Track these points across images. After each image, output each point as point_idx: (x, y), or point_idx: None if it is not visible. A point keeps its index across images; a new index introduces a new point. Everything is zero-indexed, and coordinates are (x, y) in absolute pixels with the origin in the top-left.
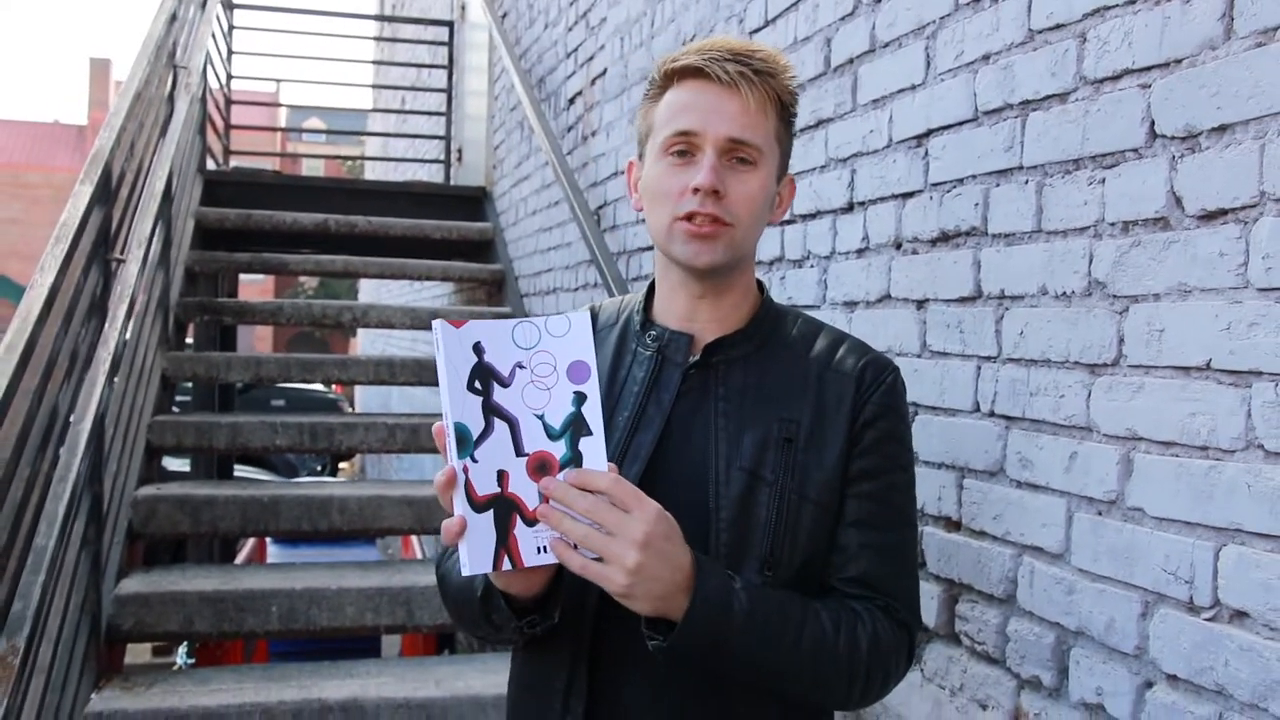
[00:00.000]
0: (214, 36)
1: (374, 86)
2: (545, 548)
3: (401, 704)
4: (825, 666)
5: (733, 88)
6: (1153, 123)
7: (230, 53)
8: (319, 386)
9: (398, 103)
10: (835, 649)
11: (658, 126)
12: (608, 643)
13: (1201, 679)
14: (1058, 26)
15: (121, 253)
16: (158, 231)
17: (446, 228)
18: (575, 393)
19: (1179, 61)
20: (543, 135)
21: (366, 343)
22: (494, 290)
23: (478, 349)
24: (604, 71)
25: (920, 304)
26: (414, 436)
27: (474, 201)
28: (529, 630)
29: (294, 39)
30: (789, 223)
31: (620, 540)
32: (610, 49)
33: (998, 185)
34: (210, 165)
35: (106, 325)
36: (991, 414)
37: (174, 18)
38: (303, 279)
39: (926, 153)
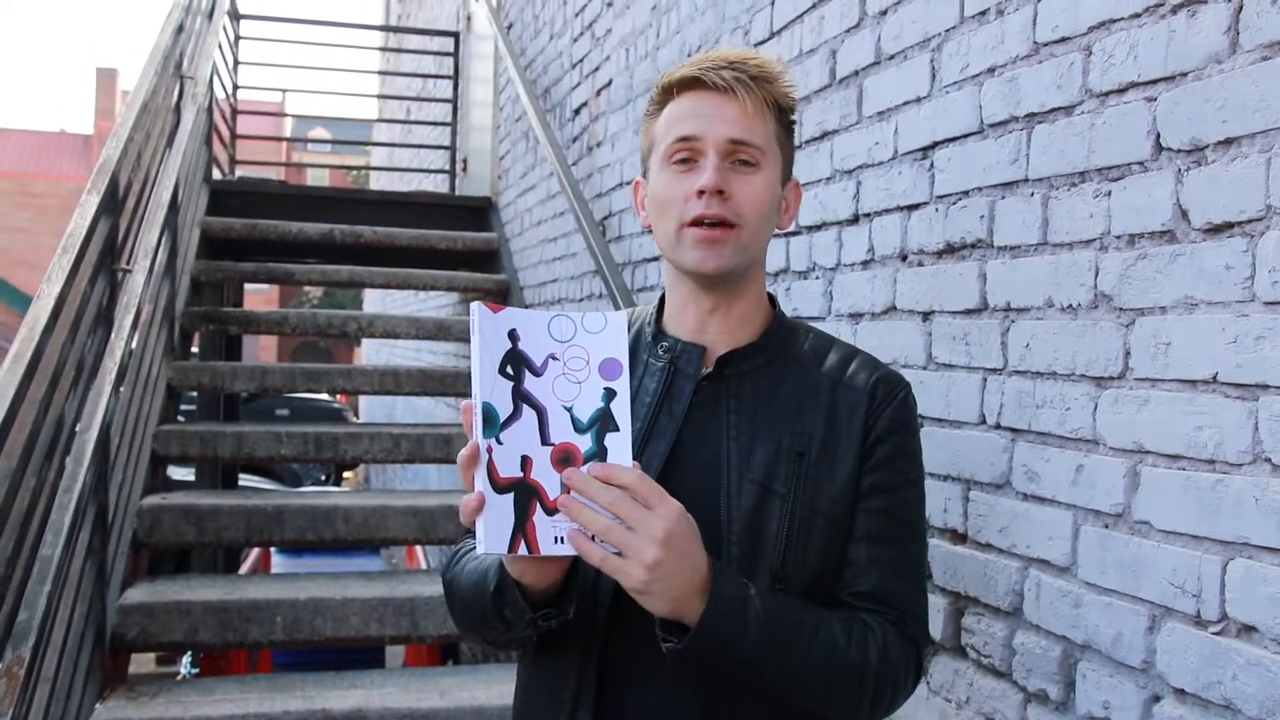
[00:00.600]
0: (220, 47)
1: (379, 97)
2: (563, 538)
3: (406, 715)
4: (837, 675)
5: (729, 93)
6: (1158, 136)
7: (236, 63)
8: (324, 396)
9: (403, 113)
10: (847, 658)
11: (659, 139)
12: (616, 654)
13: (1209, 693)
14: (1063, 39)
15: (128, 263)
16: (164, 241)
17: (451, 238)
18: (605, 389)
19: (1184, 74)
20: (548, 146)
21: (371, 352)
22: (499, 300)
23: (513, 335)
24: (609, 83)
25: (926, 316)
26: (419, 447)
27: (479, 211)
28: (543, 623)
29: (300, 49)
30: (794, 234)
31: (641, 535)
32: (616, 60)
33: (1003, 197)
34: (216, 175)
35: (112, 335)
36: (998, 426)
37: (181, 28)
38: (308, 289)
39: (932, 165)
